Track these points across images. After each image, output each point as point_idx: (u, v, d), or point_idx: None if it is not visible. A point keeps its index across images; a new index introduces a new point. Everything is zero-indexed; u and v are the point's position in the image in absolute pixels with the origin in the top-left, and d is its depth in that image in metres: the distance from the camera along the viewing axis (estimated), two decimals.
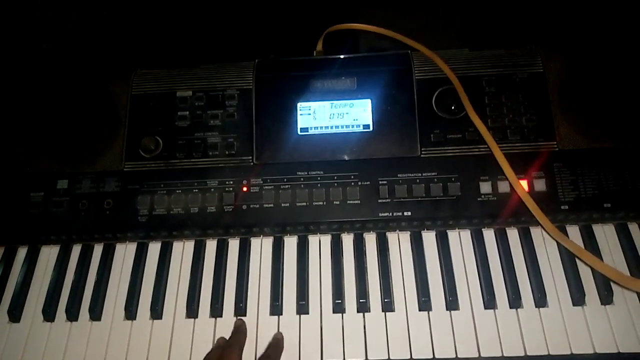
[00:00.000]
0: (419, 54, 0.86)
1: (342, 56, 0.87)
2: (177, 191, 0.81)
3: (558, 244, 0.77)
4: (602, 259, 0.75)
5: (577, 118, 0.80)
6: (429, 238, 0.80)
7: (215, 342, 0.73)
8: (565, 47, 0.84)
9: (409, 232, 0.80)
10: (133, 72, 0.89)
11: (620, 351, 0.69)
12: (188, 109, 0.85)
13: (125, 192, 0.81)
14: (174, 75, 0.88)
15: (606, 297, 0.72)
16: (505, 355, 0.70)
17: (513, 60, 0.84)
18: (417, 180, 0.79)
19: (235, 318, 0.75)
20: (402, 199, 0.78)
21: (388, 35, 0.93)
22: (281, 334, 0.73)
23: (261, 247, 0.81)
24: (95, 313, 0.76)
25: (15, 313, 0.77)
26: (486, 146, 0.79)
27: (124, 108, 0.86)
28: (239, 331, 0.72)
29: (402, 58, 0.86)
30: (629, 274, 0.75)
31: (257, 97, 0.84)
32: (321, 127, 0.83)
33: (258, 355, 0.71)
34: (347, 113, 0.84)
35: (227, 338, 0.72)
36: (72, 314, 0.77)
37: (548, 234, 0.76)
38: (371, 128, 0.82)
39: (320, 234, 0.81)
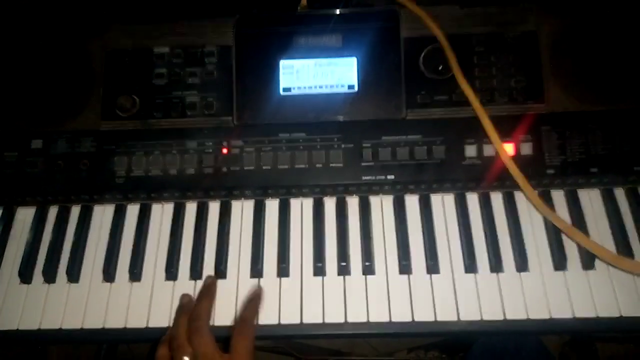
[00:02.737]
0: (407, 11, 0.83)
1: (326, 12, 0.83)
2: (155, 152, 0.78)
3: None
4: (586, 225, 0.75)
5: (567, 80, 0.78)
6: (412, 202, 0.78)
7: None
8: (559, 7, 0.81)
9: (391, 196, 0.79)
10: (108, 27, 0.84)
11: (599, 316, 0.69)
12: (165, 66, 0.81)
13: (101, 153, 0.79)
14: (150, 30, 0.83)
15: (588, 262, 0.72)
16: (484, 319, 0.70)
17: (505, 18, 0.81)
18: (402, 143, 0.77)
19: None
20: (385, 162, 0.77)
21: None
22: (261, 289, 0.71)
23: (242, 210, 0.80)
24: (73, 275, 0.75)
25: None
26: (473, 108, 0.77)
27: (100, 65, 0.83)
28: (207, 294, 0.70)
29: (390, 14, 0.82)
30: (612, 240, 0.74)
31: (237, 55, 0.81)
32: (304, 87, 0.80)
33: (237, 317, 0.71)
34: (331, 72, 0.81)
35: (190, 295, 0.71)
36: (50, 276, 0.76)
37: (535, 207, 0.75)
38: (356, 88, 0.80)
39: (302, 197, 0.80)
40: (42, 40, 0.84)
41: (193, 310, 0.67)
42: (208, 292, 0.70)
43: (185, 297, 0.71)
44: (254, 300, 0.70)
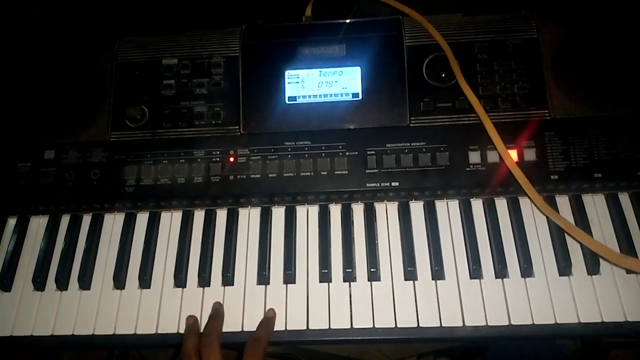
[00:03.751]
0: (410, 20, 0.84)
1: (331, 22, 0.84)
2: (164, 161, 0.80)
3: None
4: (591, 230, 0.75)
5: (570, 86, 0.78)
6: (417, 208, 0.79)
7: (201, 313, 0.74)
8: (560, 13, 0.81)
9: (396, 203, 0.80)
10: (118, 40, 0.87)
11: (605, 321, 0.69)
12: (174, 77, 0.83)
13: (111, 163, 0.81)
14: (159, 42, 0.86)
15: (593, 267, 0.72)
16: (489, 324, 0.70)
17: (506, 25, 0.82)
18: (406, 150, 0.78)
19: (223, 288, 0.76)
20: (390, 169, 0.78)
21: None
22: (273, 310, 0.73)
23: (249, 218, 0.81)
24: (85, 282, 0.77)
25: (5, 282, 0.78)
26: (476, 115, 0.78)
27: (110, 77, 0.85)
28: (217, 316, 0.72)
29: (393, 24, 0.83)
30: (617, 245, 0.74)
31: (243, 65, 0.83)
32: (309, 96, 0.82)
33: (245, 324, 0.73)
34: (335, 81, 0.82)
35: (193, 314, 0.73)
36: (62, 284, 0.77)
37: (538, 208, 0.75)
38: (360, 97, 0.81)
39: (307, 204, 0.81)
40: (55, 53, 0.86)
41: (205, 328, 0.70)
42: (217, 314, 0.72)
43: (190, 318, 0.73)
44: (269, 320, 0.72)
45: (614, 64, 0.78)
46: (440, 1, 0.93)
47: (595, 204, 0.77)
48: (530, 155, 0.76)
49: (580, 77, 0.78)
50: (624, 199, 0.77)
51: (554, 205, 0.77)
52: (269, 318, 0.72)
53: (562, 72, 0.79)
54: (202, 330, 0.70)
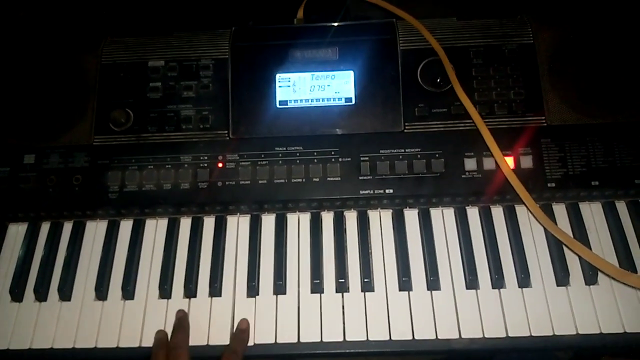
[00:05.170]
0: (404, 23, 0.82)
1: (323, 25, 0.82)
2: (149, 167, 0.77)
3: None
4: (588, 239, 0.73)
5: (567, 92, 0.77)
6: (411, 216, 0.77)
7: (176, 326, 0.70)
8: (556, 18, 0.80)
9: (390, 210, 0.78)
10: (103, 40, 0.84)
11: (603, 332, 0.68)
12: (160, 79, 0.81)
13: (94, 168, 0.78)
14: (145, 43, 0.83)
15: (590, 277, 0.71)
16: (486, 336, 0.68)
17: (502, 30, 0.81)
18: (400, 157, 0.76)
19: (210, 299, 0.73)
20: (384, 176, 0.75)
21: (371, 2, 0.88)
22: (247, 321, 0.70)
23: (238, 226, 0.78)
24: (65, 293, 0.74)
25: None
26: (472, 121, 0.76)
27: (94, 79, 0.82)
28: (182, 328, 0.69)
29: (387, 27, 0.82)
30: (615, 254, 0.73)
31: (233, 68, 0.80)
32: (301, 100, 0.79)
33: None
34: (328, 85, 0.80)
35: (165, 331, 0.70)
36: (41, 294, 0.74)
37: (537, 220, 0.74)
38: (353, 101, 0.79)
39: (299, 212, 0.79)
40: (37, 53, 0.83)
41: (170, 341, 0.67)
42: (182, 324, 0.70)
43: (160, 333, 0.70)
44: (243, 332, 0.69)
45: (612, 70, 0.77)
46: (434, 4, 0.91)
47: (593, 213, 0.76)
48: (526, 162, 0.75)
49: (577, 83, 0.77)
50: (621, 207, 0.76)
51: (551, 214, 0.75)
52: (243, 330, 0.69)
53: (558, 78, 0.78)
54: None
